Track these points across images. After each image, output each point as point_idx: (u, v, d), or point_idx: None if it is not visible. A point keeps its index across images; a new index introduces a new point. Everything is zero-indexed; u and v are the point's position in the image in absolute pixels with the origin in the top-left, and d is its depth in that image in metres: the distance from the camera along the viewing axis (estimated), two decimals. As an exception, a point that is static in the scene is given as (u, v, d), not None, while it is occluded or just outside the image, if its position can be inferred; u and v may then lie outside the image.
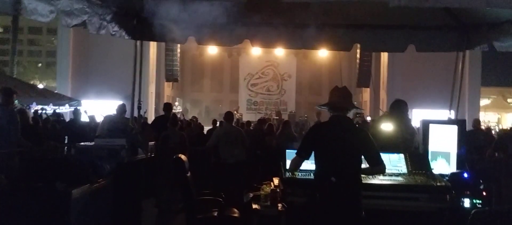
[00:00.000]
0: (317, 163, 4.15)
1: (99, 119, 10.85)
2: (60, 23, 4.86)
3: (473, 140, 9.64)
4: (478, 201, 4.84)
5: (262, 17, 7.03)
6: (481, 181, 5.19)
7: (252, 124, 13.80)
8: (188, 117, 18.80)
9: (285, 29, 7.19)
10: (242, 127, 12.16)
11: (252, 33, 7.17)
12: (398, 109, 5.74)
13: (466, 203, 4.79)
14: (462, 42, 6.91)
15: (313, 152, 4.15)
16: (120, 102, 8.02)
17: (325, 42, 7.28)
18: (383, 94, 22.55)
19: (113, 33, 6.11)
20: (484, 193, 5.05)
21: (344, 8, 6.71)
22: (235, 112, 22.29)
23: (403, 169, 4.86)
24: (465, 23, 6.73)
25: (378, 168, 4.11)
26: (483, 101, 25.56)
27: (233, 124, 10.25)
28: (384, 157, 4.93)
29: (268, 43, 7.49)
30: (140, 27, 6.63)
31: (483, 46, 6.75)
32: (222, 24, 7.05)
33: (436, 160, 5.86)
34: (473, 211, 2.95)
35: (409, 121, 6.07)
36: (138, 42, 7.01)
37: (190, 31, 6.98)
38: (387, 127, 5.31)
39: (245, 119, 19.53)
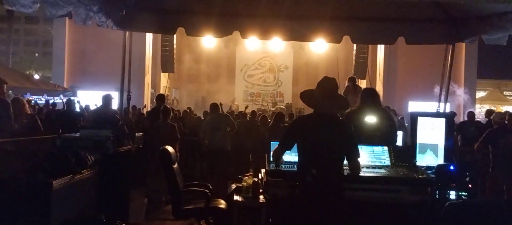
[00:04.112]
0: (299, 155, 4.17)
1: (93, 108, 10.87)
2: (44, 13, 4.78)
3: (464, 131, 9.68)
4: (463, 193, 4.85)
5: (252, 9, 7.02)
6: (467, 173, 5.18)
7: (247, 115, 13.84)
8: (182, 107, 18.80)
9: (275, 20, 7.17)
10: (237, 117, 12.28)
11: (242, 24, 7.15)
12: (373, 99, 5.46)
13: (452, 195, 4.80)
14: (451, 35, 6.90)
15: (295, 143, 4.17)
16: (116, 93, 8.01)
17: (315, 34, 7.26)
18: (379, 86, 22.55)
19: (100, 24, 6.06)
20: (470, 186, 5.04)
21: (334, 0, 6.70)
22: (232, 104, 22.31)
23: (387, 161, 4.88)
24: (454, 16, 6.72)
25: (353, 163, 4.09)
26: (480, 94, 25.54)
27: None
28: (368, 149, 4.98)
29: (258, 35, 7.48)
30: (129, 17, 6.59)
31: (471, 39, 6.75)
32: (211, 14, 7.04)
33: (424, 152, 5.88)
34: (447, 204, 2.96)
35: (387, 111, 5.96)
36: (128, 33, 6.98)
37: (179, 22, 6.96)
38: (370, 119, 5.27)
39: (241, 110, 19.46)
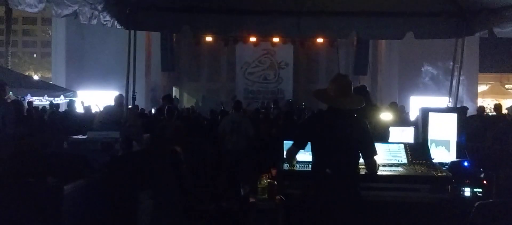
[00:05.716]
0: (313, 154, 4.04)
1: (95, 109, 10.73)
2: (50, 13, 4.69)
3: (469, 126, 9.55)
4: (478, 190, 4.75)
5: (257, 5, 6.92)
6: (481, 170, 5.09)
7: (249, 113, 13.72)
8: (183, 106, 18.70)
9: (281, 17, 7.08)
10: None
11: (247, 21, 7.07)
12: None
13: (467, 192, 4.71)
14: (461, 29, 6.80)
15: (309, 142, 4.06)
16: (117, 93, 7.87)
17: (322, 30, 7.20)
18: (380, 82, 22.45)
19: (105, 23, 5.96)
20: (485, 182, 4.95)
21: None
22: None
23: (403, 159, 4.77)
24: (464, 9, 6.62)
25: (369, 161, 3.96)
26: (481, 88, 25.44)
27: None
28: (384, 147, 4.87)
29: (263, 32, 7.40)
30: (133, 16, 6.50)
31: (482, 33, 6.63)
32: (217, 12, 6.95)
33: (436, 148, 5.79)
34: (477, 203, 2.85)
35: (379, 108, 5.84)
36: (132, 32, 6.88)
37: (184, 20, 6.87)
38: (386, 116, 5.17)
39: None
